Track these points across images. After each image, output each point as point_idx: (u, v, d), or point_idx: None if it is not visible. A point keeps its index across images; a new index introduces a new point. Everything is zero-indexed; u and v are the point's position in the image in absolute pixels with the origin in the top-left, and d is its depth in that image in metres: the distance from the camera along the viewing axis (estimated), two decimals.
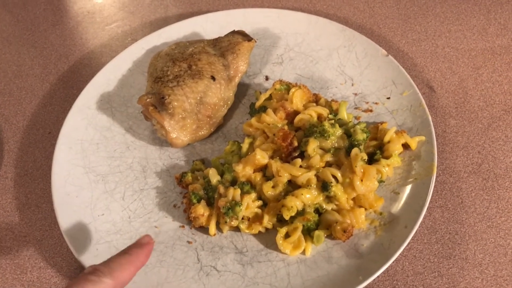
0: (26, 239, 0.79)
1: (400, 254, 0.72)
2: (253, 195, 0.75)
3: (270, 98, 0.87)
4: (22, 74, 1.03)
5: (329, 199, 0.75)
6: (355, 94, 0.90)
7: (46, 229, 0.80)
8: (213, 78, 0.85)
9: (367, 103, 0.88)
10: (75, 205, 0.78)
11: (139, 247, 0.59)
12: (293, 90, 0.83)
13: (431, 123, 0.81)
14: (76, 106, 0.89)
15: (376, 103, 0.88)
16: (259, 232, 0.75)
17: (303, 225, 0.73)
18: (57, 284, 0.75)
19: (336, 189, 0.73)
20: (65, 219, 0.76)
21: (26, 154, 0.90)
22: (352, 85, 0.91)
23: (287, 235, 0.73)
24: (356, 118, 0.86)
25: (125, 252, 0.58)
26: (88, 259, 0.72)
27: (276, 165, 0.75)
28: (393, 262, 0.72)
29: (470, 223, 0.77)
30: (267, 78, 0.95)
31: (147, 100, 0.82)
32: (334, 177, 0.74)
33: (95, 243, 0.74)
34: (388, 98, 0.88)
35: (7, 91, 1.00)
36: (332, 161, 0.77)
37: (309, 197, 0.73)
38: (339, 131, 0.78)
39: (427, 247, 0.75)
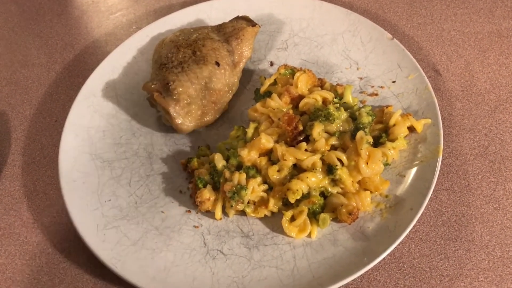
0: (34, 226, 0.80)
1: (406, 236, 0.72)
2: (259, 179, 0.75)
3: (275, 83, 0.87)
4: (28, 64, 1.03)
5: (335, 182, 0.75)
6: (361, 78, 0.89)
7: (54, 215, 0.81)
8: (217, 63, 0.85)
9: (373, 87, 0.88)
10: (82, 191, 0.79)
11: None
12: (298, 74, 0.83)
13: (437, 106, 0.81)
14: (82, 94, 0.90)
15: (381, 87, 0.87)
16: (265, 216, 0.75)
17: (309, 209, 0.73)
18: (65, 269, 0.75)
19: (342, 172, 0.73)
20: (73, 205, 0.76)
21: (33, 142, 0.90)
22: (357, 69, 0.91)
23: (292, 219, 0.73)
24: (362, 102, 0.86)
25: None
26: (96, 244, 0.72)
27: (281, 149, 0.75)
28: (399, 244, 0.71)
29: (477, 205, 0.76)
30: (271, 64, 0.95)
31: (152, 86, 0.82)
32: (340, 160, 0.74)
33: (102, 228, 0.75)
34: (394, 81, 0.87)
35: (14, 80, 1.00)
36: (337, 145, 0.77)
37: (315, 180, 0.73)
38: (344, 115, 0.78)
39: (434, 229, 0.74)
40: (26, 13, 1.13)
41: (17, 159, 0.88)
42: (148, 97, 0.85)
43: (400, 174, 0.76)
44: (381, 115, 0.81)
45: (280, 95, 0.83)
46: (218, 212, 0.75)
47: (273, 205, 0.74)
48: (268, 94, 0.85)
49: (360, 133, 0.74)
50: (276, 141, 0.78)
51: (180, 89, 0.82)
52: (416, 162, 0.76)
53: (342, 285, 0.68)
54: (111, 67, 0.94)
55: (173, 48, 0.88)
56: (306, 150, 0.76)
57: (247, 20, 0.91)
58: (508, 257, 0.71)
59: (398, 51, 0.89)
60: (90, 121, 0.87)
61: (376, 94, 0.87)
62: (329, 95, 0.81)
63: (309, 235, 0.72)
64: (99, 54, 1.03)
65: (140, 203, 0.78)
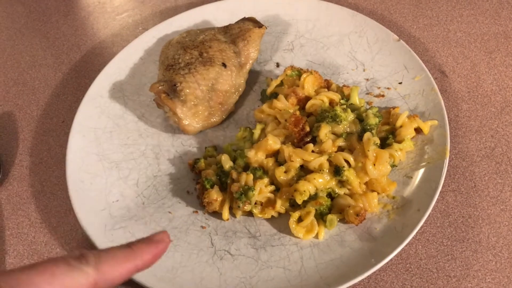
0: (42, 226, 0.81)
1: (413, 237, 0.72)
2: (266, 180, 0.75)
3: (281, 84, 0.87)
4: (35, 65, 1.04)
5: (342, 183, 0.75)
6: (367, 80, 0.89)
7: (61, 215, 0.81)
8: (224, 65, 0.85)
9: (379, 88, 0.88)
10: (89, 192, 0.79)
11: (147, 243, 0.47)
12: (304, 75, 0.84)
13: (444, 107, 0.81)
14: (89, 95, 0.90)
15: (388, 88, 0.87)
16: (272, 216, 0.75)
17: (316, 210, 0.73)
18: None
19: (349, 174, 0.73)
20: (80, 205, 0.77)
21: (40, 143, 0.91)
22: (364, 70, 0.91)
23: (300, 220, 0.73)
24: (368, 103, 0.86)
25: (128, 245, 0.47)
26: (104, 244, 0.73)
27: (288, 150, 0.75)
28: (406, 245, 0.72)
29: (484, 206, 0.76)
30: (278, 65, 0.95)
31: (159, 87, 0.83)
32: (347, 161, 0.74)
33: (110, 229, 0.75)
34: (400, 83, 0.87)
35: (21, 81, 1.01)
36: (344, 146, 0.77)
37: (322, 181, 0.74)
38: (351, 116, 0.78)
39: (440, 230, 0.75)
40: (33, 14, 1.14)
41: (24, 160, 0.89)
42: (155, 98, 0.86)
43: (407, 175, 0.76)
44: (387, 116, 0.82)
45: (286, 96, 0.83)
46: (225, 213, 0.75)
47: (280, 206, 0.74)
48: (274, 95, 0.85)
49: (367, 135, 0.75)
50: (283, 142, 0.78)
51: (187, 91, 0.82)
52: (423, 164, 0.77)
53: (349, 286, 0.68)
54: (117, 68, 0.94)
55: (180, 49, 0.88)
56: (313, 151, 0.76)
57: (253, 22, 0.91)
58: None
59: (405, 52, 0.90)
60: (97, 122, 0.88)
61: (383, 96, 0.87)
62: (336, 96, 0.81)
63: (316, 236, 0.72)
64: (105, 55, 1.03)
65: (147, 204, 0.79)
